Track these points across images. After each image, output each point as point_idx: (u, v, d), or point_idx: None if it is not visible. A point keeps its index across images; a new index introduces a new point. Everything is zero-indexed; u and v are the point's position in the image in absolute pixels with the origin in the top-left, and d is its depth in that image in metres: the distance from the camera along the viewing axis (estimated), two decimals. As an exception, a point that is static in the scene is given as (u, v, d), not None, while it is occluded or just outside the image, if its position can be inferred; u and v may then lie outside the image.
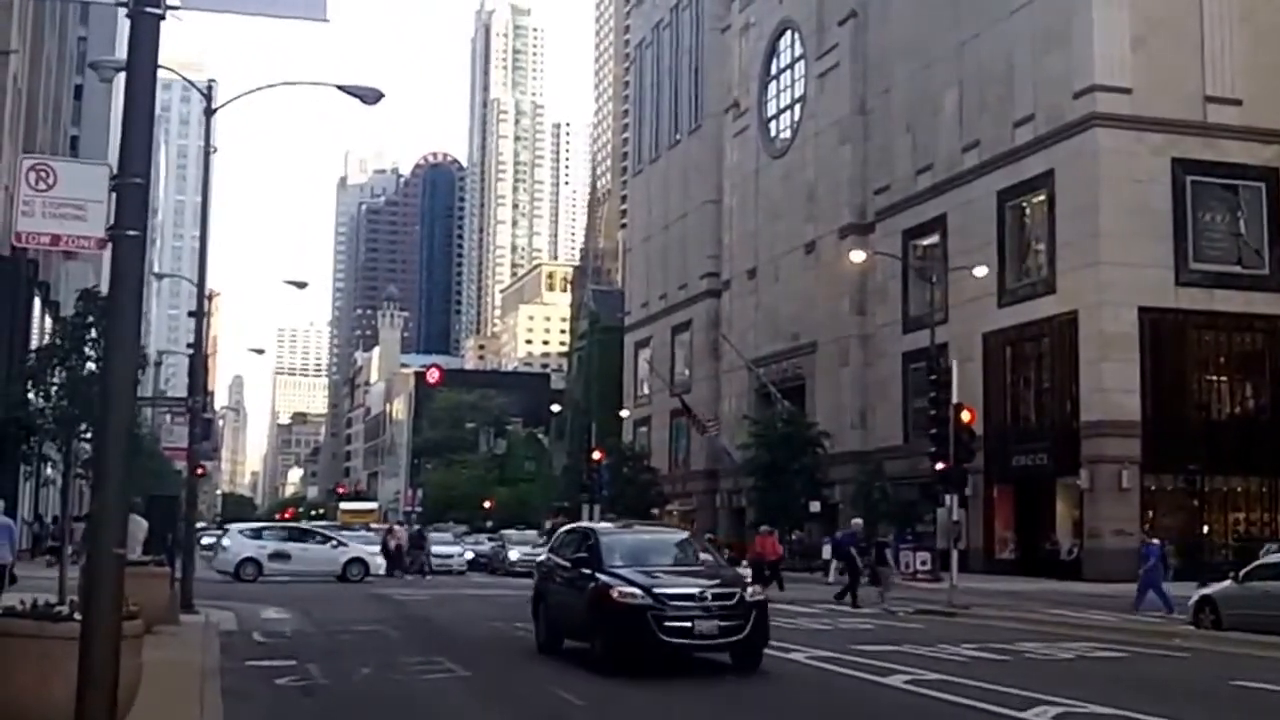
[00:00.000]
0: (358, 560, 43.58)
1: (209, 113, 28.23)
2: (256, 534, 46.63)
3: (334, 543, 45.77)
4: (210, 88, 27.97)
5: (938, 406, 34.73)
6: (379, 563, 44.90)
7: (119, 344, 8.28)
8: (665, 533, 23.51)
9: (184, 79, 28.33)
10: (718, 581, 17.49)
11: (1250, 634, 22.43)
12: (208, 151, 29.12)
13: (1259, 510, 53.66)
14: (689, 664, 16.98)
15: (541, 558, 21.29)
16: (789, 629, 23.32)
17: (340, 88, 25.80)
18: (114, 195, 8.41)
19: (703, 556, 19.31)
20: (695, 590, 16.88)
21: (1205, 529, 51.10)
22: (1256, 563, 26.60)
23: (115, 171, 8.55)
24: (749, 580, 22.08)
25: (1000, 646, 20.65)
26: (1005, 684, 15.34)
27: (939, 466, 45.01)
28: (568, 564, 18.97)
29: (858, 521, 35.41)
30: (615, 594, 16.64)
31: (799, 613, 28.59)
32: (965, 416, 34.48)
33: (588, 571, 17.78)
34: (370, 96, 25.56)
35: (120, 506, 8.25)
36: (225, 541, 46.04)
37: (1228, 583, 25.78)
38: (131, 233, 8.14)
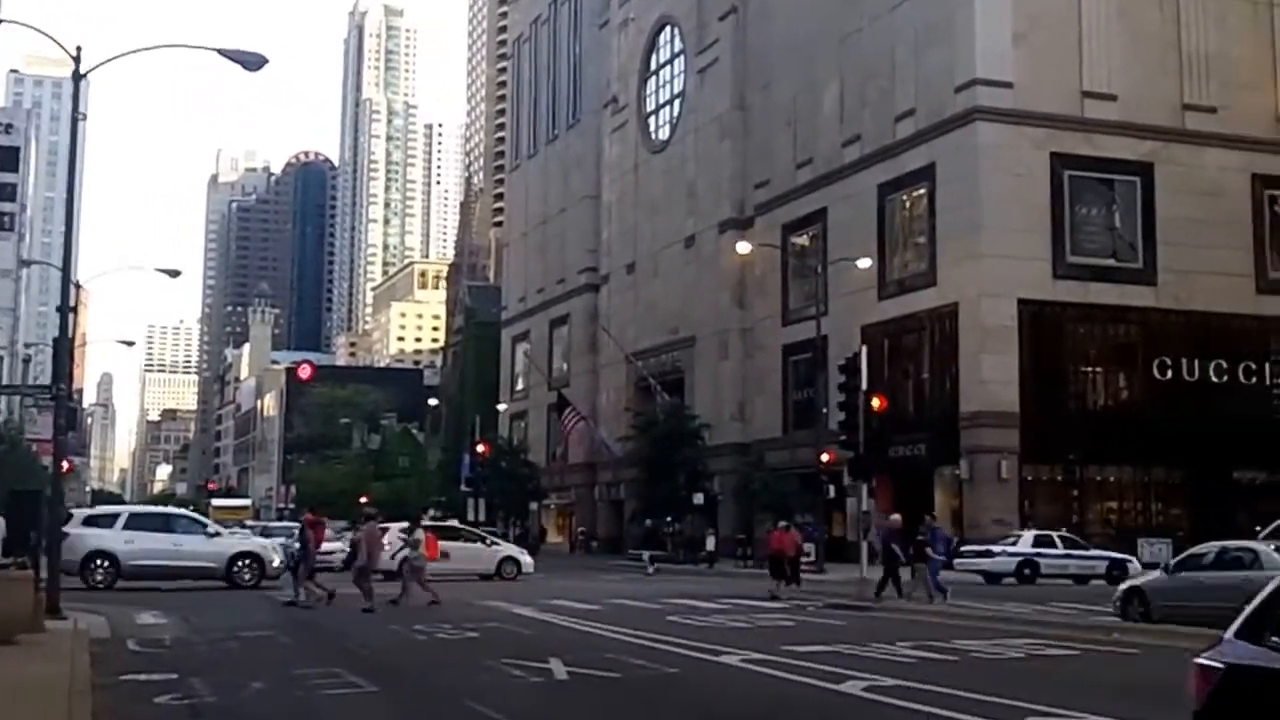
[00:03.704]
0: (511, 559, 44.23)
1: (77, 77, 26.99)
2: None
3: (487, 541, 46.26)
4: (79, 50, 26.70)
5: (848, 394, 34.53)
6: (528, 561, 45.18)
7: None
8: None
9: (50, 37, 27.11)
10: None
11: (1181, 626, 21.14)
12: (75, 118, 27.86)
13: (1132, 499, 54.54)
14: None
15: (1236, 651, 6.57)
16: (707, 627, 22.98)
17: (221, 52, 24.88)
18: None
19: None
20: None
21: (1077, 518, 51.72)
22: (1186, 553, 25.80)
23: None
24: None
25: (939, 645, 19.46)
26: (974, 689, 14.11)
27: (825, 457, 45.30)
28: None
29: (896, 517, 35.10)
30: None
31: (711, 610, 27.59)
32: (875, 404, 34.35)
33: None
34: (253, 62, 24.69)
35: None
36: (383, 540, 45.91)
37: (1158, 573, 25.23)
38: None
